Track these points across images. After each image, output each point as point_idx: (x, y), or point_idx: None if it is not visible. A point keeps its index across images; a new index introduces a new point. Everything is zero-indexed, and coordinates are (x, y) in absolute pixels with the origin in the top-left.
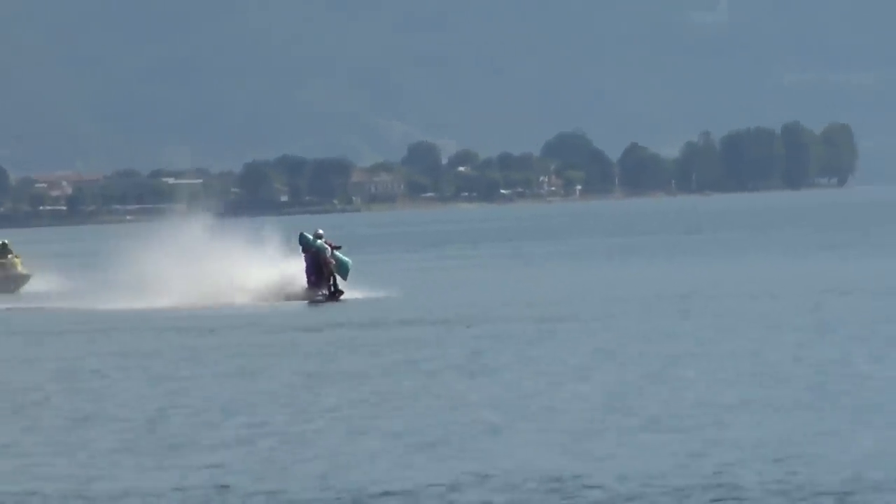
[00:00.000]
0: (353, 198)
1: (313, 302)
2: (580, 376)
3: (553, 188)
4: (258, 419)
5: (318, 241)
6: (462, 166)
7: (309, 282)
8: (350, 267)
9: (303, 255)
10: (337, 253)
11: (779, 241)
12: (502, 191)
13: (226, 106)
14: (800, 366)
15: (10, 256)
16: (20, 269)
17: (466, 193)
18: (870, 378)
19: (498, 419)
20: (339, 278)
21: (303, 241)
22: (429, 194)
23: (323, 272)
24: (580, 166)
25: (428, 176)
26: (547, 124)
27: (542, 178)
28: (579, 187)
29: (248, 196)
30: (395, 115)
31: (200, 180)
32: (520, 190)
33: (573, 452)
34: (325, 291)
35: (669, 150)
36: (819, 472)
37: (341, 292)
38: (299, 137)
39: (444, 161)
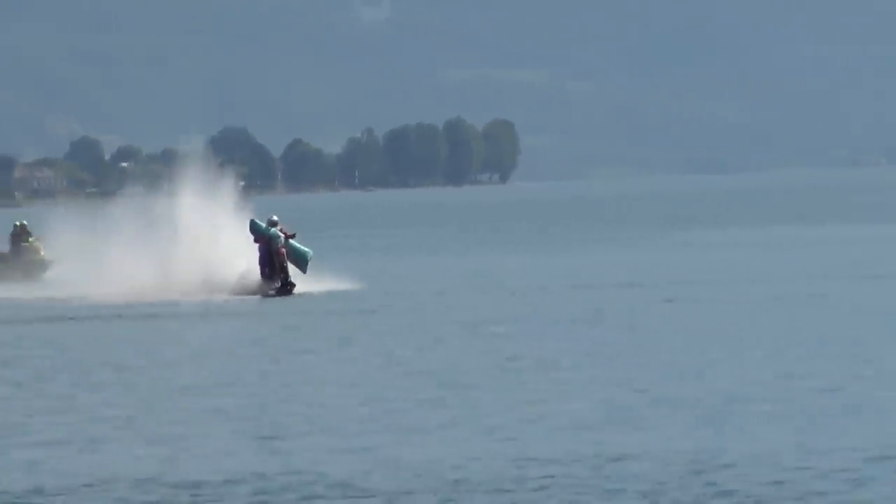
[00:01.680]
0: (16, 193)
1: (267, 295)
2: None
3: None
4: None
5: (272, 228)
6: (125, 161)
7: (262, 274)
8: (310, 257)
9: (256, 244)
10: (293, 242)
11: (441, 237)
12: (167, 185)
13: None
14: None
15: (30, 240)
16: (42, 253)
17: (130, 188)
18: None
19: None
20: (293, 270)
21: (254, 228)
22: (92, 189)
23: (275, 263)
24: (243, 161)
25: (91, 171)
26: (211, 119)
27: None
28: (242, 182)
29: None
30: (58, 111)
31: None
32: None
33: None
34: (277, 284)
35: (332, 145)
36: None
37: (293, 285)
38: None
39: (108, 156)
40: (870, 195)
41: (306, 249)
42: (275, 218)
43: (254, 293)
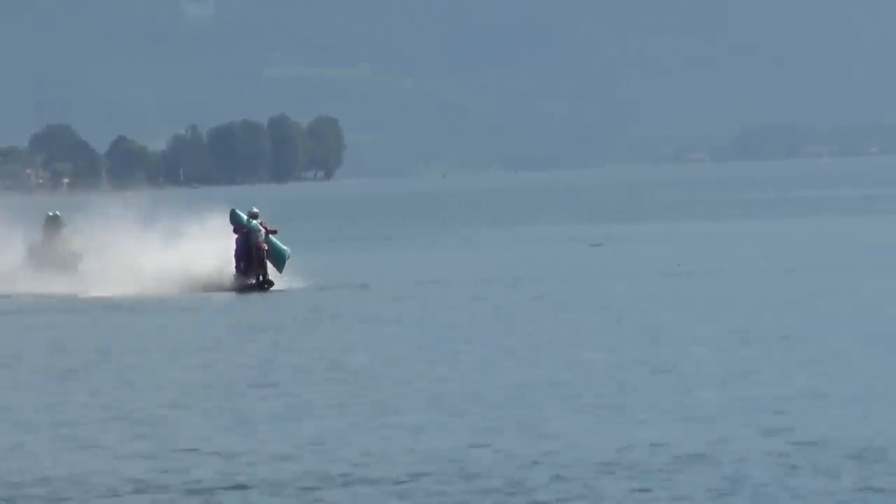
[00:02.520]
0: None
1: (242, 292)
2: None
3: (41, 180)
4: None
5: (253, 221)
6: None
7: (237, 268)
8: (288, 256)
9: (234, 236)
10: (272, 238)
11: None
12: None
13: None
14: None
15: (63, 231)
16: (76, 245)
17: None
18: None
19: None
20: (271, 268)
21: (234, 219)
22: None
23: (252, 258)
24: (67, 159)
25: None
26: (34, 116)
27: (28, 171)
28: (66, 180)
29: None
30: None
31: None
32: (7, 182)
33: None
34: (252, 280)
35: (157, 142)
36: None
37: (271, 283)
38: None
39: None
40: (691, 192)
41: (285, 248)
42: (255, 210)
43: (228, 289)
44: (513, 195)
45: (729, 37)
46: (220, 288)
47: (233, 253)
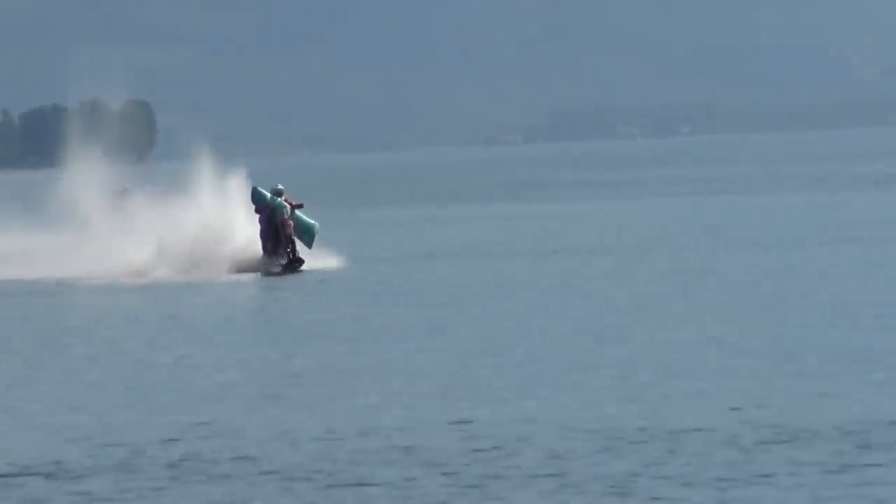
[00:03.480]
0: None
1: (270, 274)
2: None
3: None
4: None
5: (277, 198)
6: None
7: (264, 249)
8: (317, 231)
9: (256, 215)
10: (298, 213)
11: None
12: None
13: None
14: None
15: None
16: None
17: None
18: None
19: None
20: (300, 245)
21: (256, 197)
22: None
23: (280, 237)
24: None
25: None
26: None
27: None
28: None
29: None
30: None
31: None
32: None
33: None
34: (283, 261)
35: None
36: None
37: (301, 261)
38: None
39: None
40: (496, 174)
41: (312, 222)
42: (280, 186)
43: (255, 270)
44: (335, 178)
45: (541, 19)
46: (246, 269)
47: (258, 233)
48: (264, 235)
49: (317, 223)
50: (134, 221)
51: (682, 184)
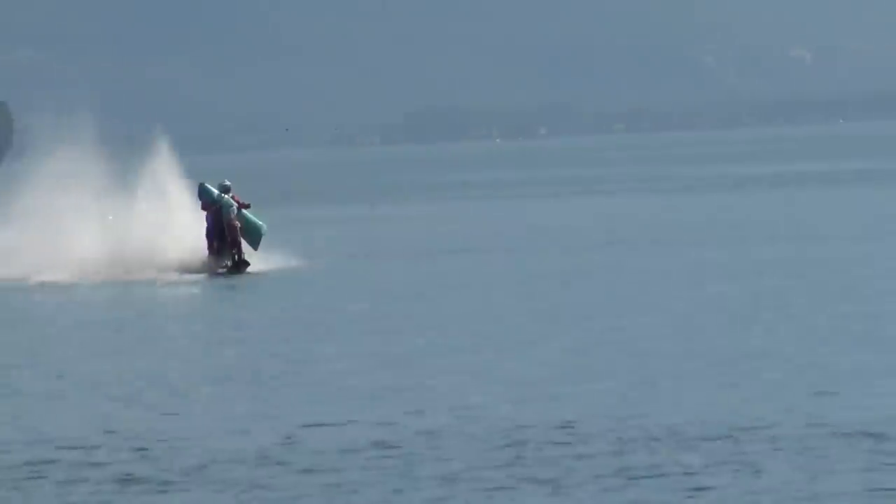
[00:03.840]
0: None
1: (215, 275)
2: None
3: None
4: None
5: (224, 196)
6: None
7: (210, 248)
8: (264, 232)
9: (203, 213)
10: (245, 212)
11: None
12: None
13: None
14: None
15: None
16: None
17: None
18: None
19: None
20: (245, 246)
21: (203, 194)
22: None
23: (226, 237)
24: None
25: None
26: None
27: None
28: None
29: None
30: None
31: None
32: None
33: None
34: (228, 262)
35: None
36: None
37: (247, 263)
38: None
39: None
40: (354, 176)
41: (261, 223)
42: (227, 183)
43: (199, 271)
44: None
45: (398, 19)
46: (192, 270)
47: (203, 231)
48: (210, 234)
49: (265, 224)
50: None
51: (533, 186)
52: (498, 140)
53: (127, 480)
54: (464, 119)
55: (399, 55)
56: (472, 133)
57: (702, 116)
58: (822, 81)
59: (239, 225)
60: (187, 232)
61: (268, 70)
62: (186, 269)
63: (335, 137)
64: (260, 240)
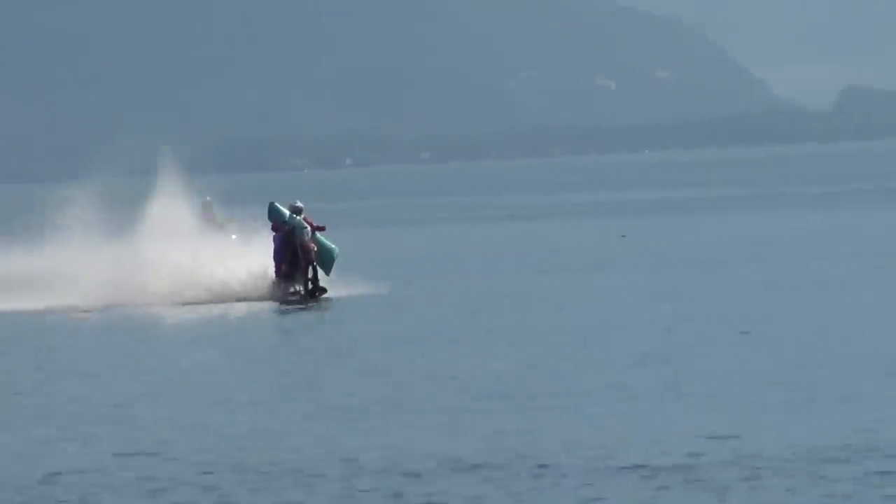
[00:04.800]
0: None
1: (286, 302)
2: None
3: None
4: None
5: (296, 216)
6: None
7: (277, 272)
8: (336, 256)
9: (272, 234)
10: (319, 235)
11: None
12: None
13: None
14: None
15: (218, 219)
16: (234, 236)
17: None
18: None
19: None
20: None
21: (273, 214)
22: None
23: (298, 261)
24: None
25: None
26: None
27: None
28: None
29: None
30: None
31: None
32: None
33: None
34: (300, 287)
35: None
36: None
37: (323, 290)
38: None
39: None
40: None
41: (333, 246)
42: (299, 204)
43: (265, 297)
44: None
45: (200, 49)
46: (257, 297)
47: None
48: (278, 257)
49: (337, 248)
50: (228, 237)
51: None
52: (305, 170)
53: None
54: (271, 149)
55: (206, 86)
56: (279, 163)
57: (510, 145)
58: (628, 110)
59: (315, 248)
60: (234, 258)
61: (72, 99)
62: (246, 296)
63: (131, 170)
64: (333, 264)
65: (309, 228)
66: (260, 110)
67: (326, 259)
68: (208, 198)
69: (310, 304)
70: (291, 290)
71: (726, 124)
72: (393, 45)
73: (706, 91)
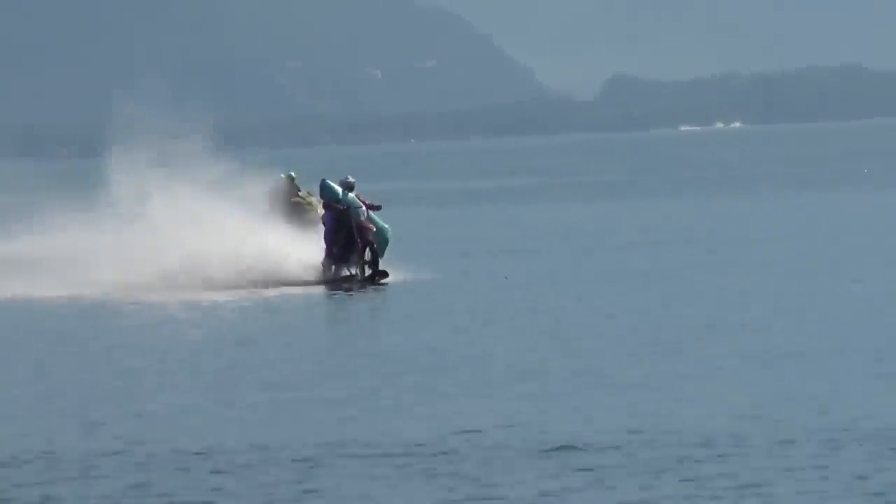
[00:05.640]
0: None
1: (334, 287)
2: None
3: None
4: None
5: (349, 194)
6: None
7: (329, 254)
8: (389, 237)
9: (323, 212)
10: (374, 215)
11: None
12: None
13: None
14: None
15: (301, 195)
16: (320, 210)
17: None
18: None
19: None
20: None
21: (326, 192)
22: None
23: (354, 242)
24: None
25: None
26: None
27: None
28: None
29: None
30: None
31: None
32: None
33: None
34: (356, 271)
35: None
36: None
37: (385, 273)
38: None
39: None
40: None
41: (386, 226)
42: (351, 180)
43: (315, 281)
44: None
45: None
46: (304, 280)
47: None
48: (329, 238)
49: (389, 227)
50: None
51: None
52: (72, 159)
53: None
54: (33, 137)
55: None
56: (45, 151)
57: (278, 135)
58: (394, 100)
59: (373, 229)
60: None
61: None
62: (296, 280)
63: None
64: (386, 246)
65: (364, 207)
66: (28, 98)
67: (381, 241)
68: (293, 172)
69: (366, 289)
70: (344, 273)
71: (493, 114)
72: (167, 35)
73: (473, 81)
